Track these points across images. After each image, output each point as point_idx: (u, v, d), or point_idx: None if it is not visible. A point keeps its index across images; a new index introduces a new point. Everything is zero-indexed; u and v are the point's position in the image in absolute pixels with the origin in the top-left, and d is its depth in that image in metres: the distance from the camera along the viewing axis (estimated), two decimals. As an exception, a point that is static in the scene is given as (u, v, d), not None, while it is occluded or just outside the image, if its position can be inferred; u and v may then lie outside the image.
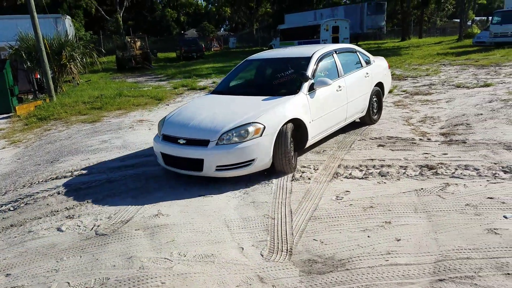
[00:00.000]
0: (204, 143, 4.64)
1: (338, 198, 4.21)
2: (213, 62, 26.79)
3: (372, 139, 6.26)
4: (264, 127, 4.65)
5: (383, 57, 8.05)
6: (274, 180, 4.79)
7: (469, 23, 43.24)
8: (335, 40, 27.62)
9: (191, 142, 4.73)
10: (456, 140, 5.83)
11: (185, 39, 38.94)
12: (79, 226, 3.96)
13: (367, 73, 6.75)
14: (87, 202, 4.54)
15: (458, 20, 35.20)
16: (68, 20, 22.61)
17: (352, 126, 6.90)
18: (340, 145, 6.04)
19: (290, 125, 4.90)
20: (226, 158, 4.56)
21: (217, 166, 4.61)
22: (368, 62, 6.99)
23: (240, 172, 4.70)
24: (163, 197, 4.53)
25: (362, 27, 32.66)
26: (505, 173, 4.43)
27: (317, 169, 5.08)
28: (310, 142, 5.44)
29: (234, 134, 4.60)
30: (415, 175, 4.65)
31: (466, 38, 30.53)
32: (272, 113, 4.82)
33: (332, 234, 3.46)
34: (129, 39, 27.28)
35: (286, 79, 5.80)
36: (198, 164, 4.63)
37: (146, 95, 12.57)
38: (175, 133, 4.95)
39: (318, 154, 5.71)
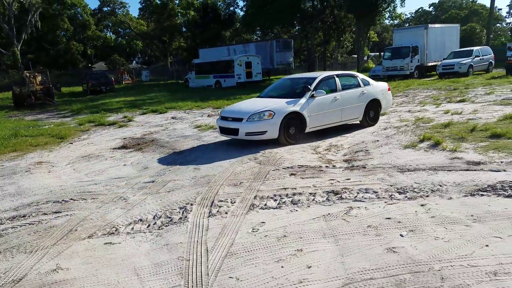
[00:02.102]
0: (240, 120, 8.15)
1: (254, 230, 4.25)
2: (124, 96, 25.95)
3: (285, 169, 6.50)
4: (274, 113, 8.01)
5: (385, 82, 10.92)
6: (190, 218, 4.69)
7: (365, 58, 48.13)
8: (249, 75, 28.70)
9: (234, 119, 8.32)
10: (357, 166, 6.32)
11: (92, 72, 37.32)
12: (-39, 290, 3.44)
13: (363, 91, 9.50)
14: (-27, 260, 3.96)
15: (356, 56, 38.97)
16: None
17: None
18: (256, 176, 6.16)
19: (291, 115, 8.14)
20: (250, 128, 8.04)
21: (246, 133, 8.09)
22: (366, 84, 9.72)
23: (258, 137, 8.09)
24: (63, 250, 4.11)
25: (273, 63, 34.44)
26: (399, 194, 4.89)
27: (234, 202, 5.11)
28: (308, 129, 8.55)
29: (256, 116, 8.04)
30: (322, 201, 4.91)
31: (363, 72, 33.85)
32: (281, 106, 8.23)
33: (248, 269, 3.46)
34: (28, 74, 25.27)
35: (300, 89, 8.88)
36: (236, 131, 8.21)
37: (46, 133, 11.65)
38: (227, 115, 8.69)
39: (236, 186, 5.76)
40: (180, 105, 17.81)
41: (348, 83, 9.47)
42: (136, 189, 6.03)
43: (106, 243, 4.21)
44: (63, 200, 5.68)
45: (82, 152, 9.22)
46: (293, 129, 8.29)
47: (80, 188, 6.28)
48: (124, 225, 4.67)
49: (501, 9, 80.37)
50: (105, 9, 60.15)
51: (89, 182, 6.64)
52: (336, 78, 9.23)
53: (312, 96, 8.52)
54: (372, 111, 9.79)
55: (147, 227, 4.57)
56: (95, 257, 3.91)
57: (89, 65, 62.66)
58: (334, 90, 9.04)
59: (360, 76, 9.98)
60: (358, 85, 9.56)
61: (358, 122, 9.79)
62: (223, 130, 8.66)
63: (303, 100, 8.40)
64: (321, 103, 8.62)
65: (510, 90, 13.90)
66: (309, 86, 8.63)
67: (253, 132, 8.02)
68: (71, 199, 5.73)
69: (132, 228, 4.57)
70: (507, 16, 70.09)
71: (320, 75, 9.18)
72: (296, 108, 8.21)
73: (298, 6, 39.47)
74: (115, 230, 4.54)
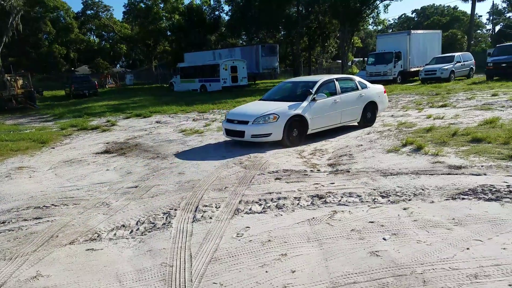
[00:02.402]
0: (246, 123, 8.45)
1: (238, 235, 4.23)
2: (107, 100, 25.65)
3: (270, 173, 6.51)
4: (279, 116, 8.31)
5: (381, 85, 11.41)
6: (174, 223, 4.65)
7: (349, 63, 48.71)
8: (234, 79, 28.73)
9: (240, 122, 8.61)
10: (342, 170, 6.37)
11: (75, 76, 36.80)
12: None
13: (360, 94, 9.94)
14: None
15: (341, 61, 39.42)
16: None
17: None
18: (241, 181, 6.15)
19: (294, 118, 8.46)
20: (256, 130, 8.34)
21: (252, 135, 8.38)
22: (364, 87, 10.14)
23: (263, 139, 8.39)
24: (44, 256, 4.03)
25: (258, 67, 34.57)
26: (382, 198, 4.94)
27: (219, 207, 5.09)
28: (310, 131, 8.87)
29: (262, 118, 8.32)
30: (307, 205, 4.93)
31: (347, 77, 34.18)
32: (284, 110, 8.54)
33: (232, 274, 3.44)
34: (8, 78, 24.74)
35: (302, 92, 9.27)
36: (242, 133, 8.48)
37: (27, 138, 11.41)
38: (233, 117, 8.91)
39: (221, 191, 5.74)
40: (165, 109, 17.69)
41: (347, 86, 9.89)
42: (119, 195, 5.96)
43: (88, 249, 4.14)
44: (44, 206, 5.56)
45: (64, 157, 9.06)
46: (296, 131, 8.65)
47: (61, 194, 6.16)
48: (107, 231, 4.60)
49: (481, 16, 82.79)
50: (89, 12, 59.33)
51: (71, 187, 6.53)
52: (335, 81, 9.62)
53: (314, 100, 8.87)
54: (369, 113, 10.25)
55: (129, 233, 4.51)
56: (76, 263, 3.84)
57: (72, 68, 61.75)
58: (334, 93, 9.43)
59: (357, 79, 10.42)
60: (356, 88, 10.00)
61: (356, 124, 10.20)
62: (228, 132, 8.97)
63: (305, 103, 8.74)
64: (322, 106, 8.99)
65: (490, 95, 14.25)
66: (310, 90, 8.98)
67: (259, 134, 8.35)
68: (53, 204, 5.62)
69: (115, 234, 4.51)
70: (487, 23, 72.18)
71: (321, 79, 9.54)
72: (299, 111, 8.56)
73: (283, 11, 39.79)
74: (97, 236, 4.47)
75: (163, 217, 4.89)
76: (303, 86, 9.61)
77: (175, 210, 5.10)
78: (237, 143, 9.21)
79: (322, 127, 9.19)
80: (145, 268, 3.67)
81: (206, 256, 3.80)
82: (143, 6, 51.78)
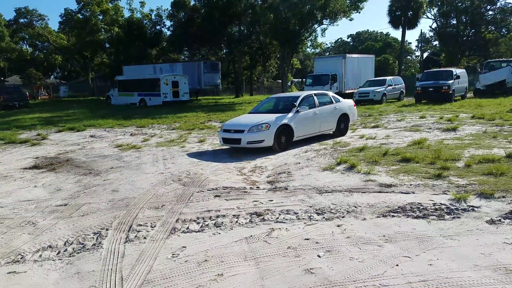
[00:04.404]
0: (242, 131, 9.56)
1: (174, 255, 4.11)
2: (39, 112, 24.14)
3: (210, 190, 6.44)
4: (270, 125, 9.51)
5: (351, 99, 13.46)
6: (105, 244, 4.41)
7: (289, 83, 50.32)
8: (176, 94, 28.34)
9: (236, 131, 9.71)
10: (280, 187, 6.48)
11: (5, 86, 34.30)
12: None
13: (335, 107, 11.49)
14: None
15: (281, 81, 40.59)
16: None
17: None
18: (179, 199, 6.01)
19: (282, 127, 9.70)
20: (251, 138, 9.43)
21: (247, 142, 9.45)
22: (337, 101, 11.75)
23: (257, 145, 9.51)
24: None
25: (200, 84, 34.48)
26: (318, 215, 5.08)
27: (155, 226, 4.91)
28: (295, 138, 10.17)
29: (255, 128, 9.48)
30: (246, 222, 4.93)
31: (288, 96, 35.22)
32: (274, 120, 9.72)
33: (166, 296, 3.31)
34: None
35: (286, 106, 10.66)
36: (239, 141, 9.56)
37: None
38: (229, 127, 10.03)
39: (157, 209, 5.56)
40: (101, 123, 16.94)
41: (323, 100, 11.44)
42: (46, 213, 5.57)
43: (10, 272, 3.82)
44: (-44, 227, 5.01)
45: (-15, 172, 8.29)
46: (284, 138, 9.86)
47: (-21, 213, 5.61)
48: (31, 252, 4.28)
49: (411, 43, 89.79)
50: (22, 20, 55.52)
51: (-8, 205, 5.98)
52: (314, 96, 11.17)
53: (297, 111, 10.27)
54: (343, 123, 11.81)
55: (56, 254, 4.22)
56: (-7, 290, 3.49)
57: (2, 78, 57.18)
58: (313, 106, 10.88)
59: (331, 94, 12.16)
60: (331, 102, 11.60)
61: (332, 132, 11.66)
62: (226, 140, 9.97)
63: (290, 115, 10.08)
64: (304, 117, 10.41)
65: (419, 117, 15.38)
66: (294, 103, 10.39)
67: (253, 141, 9.48)
68: (-33, 225, 5.09)
69: (40, 256, 4.20)
70: (416, 50, 78.30)
71: (302, 94, 11.12)
72: (286, 121, 9.86)
73: (225, 30, 40.30)
74: (21, 258, 4.14)
75: (93, 237, 4.63)
76: (286, 100, 11.08)
77: (107, 230, 4.85)
78: (177, 159, 9.04)
79: (305, 134, 10.57)
80: (71, 293, 3.42)
81: (138, 279, 3.63)
82: (81, 17, 49.65)
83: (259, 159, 8.96)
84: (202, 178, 7.21)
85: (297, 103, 10.42)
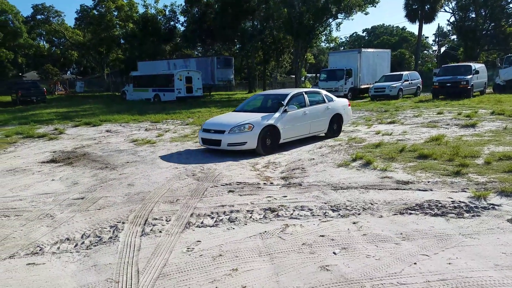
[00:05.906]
0: (222, 132, 8.74)
1: (189, 249, 4.12)
2: (56, 107, 24.51)
3: (223, 185, 6.44)
4: (253, 126, 8.69)
5: (346, 99, 12.30)
6: (121, 237, 4.45)
7: (302, 79, 50.01)
8: (189, 90, 28.45)
9: (216, 131, 8.88)
10: (294, 183, 6.44)
11: (23, 82, 35.00)
12: None
13: (327, 107, 10.57)
14: None
15: (294, 76, 40.37)
16: None
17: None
18: (193, 193, 6.03)
19: (268, 127, 8.85)
20: (232, 139, 8.65)
21: (228, 144, 8.67)
22: (330, 100, 10.82)
23: (239, 148, 8.71)
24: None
25: (214, 79, 34.57)
26: (333, 212, 5.03)
27: (169, 220, 4.94)
28: (282, 140, 9.29)
29: (237, 128, 8.67)
30: (260, 218, 4.91)
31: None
32: (258, 120, 8.90)
33: (181, 290, 3.32)
34: None
35: (274, 104, 9.70)
36: (218, 142, 8.76)
37: (-35, 146, 10.56)
38: (209, 127, 9.22)
39: (172, 204, 5.58)
40: (116, 118, 17.11)
41: (315, 99, 10.52)
42: (64, 206, 5.64)
43: (29, 264, 3.88)
44: (-22, 219, 5.13)
45: (7, 165, 8.50)
46: (269, 141, 9.02)
47: (3, 204, 5.77)
48: (50, 245, 4.34)
49: (428, 37, 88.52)
50: (39, 17, 56.40)
51: (13, 197, 6.13)
52: (304, 94, 10.23)
53: (285, 111, 9.35)
54: (336, 124, 10.94)
55: (74, 247, 4.28)
56: (16, 279, 3.58)
57: (20, 74, 58.30)
58: (303, 105, 10.00)
59: (324, 92, 11.11)
60: (323, 101, 10.66)
61: (324, 134, 10.80)
62: (205, 141, 9.21)
63: (277, 114, 9.18)
64: (293, 117, 9.49)
65: (436, 113, 15.11)
66: (282, 102, 9.45)
67: (234, 143, 8.68)
68: (-10, 217, 5.20)
69: (58, 248, 4.26)
70: (433, 44, 77.05)
71: (291, 92, 10.06)
72: (272, 121, 8.98)
73: (239, 25, 40.23)
74: (40, 250, 4.21)
75: (110, 231, 4.67)
76: (274, 99, 10.08)
77: (123, 223, 4.89)
78: (191, 155, 9.07)
79: (293, 136, 9.67)
80: (89, 284, 3.47)
81: (154, 272, 3.65)
82: (96, 13, 50.20)
83: (272, 154, 8.92)
84: (215, 173, 7.22)
85: (285, 102, 9.45)
